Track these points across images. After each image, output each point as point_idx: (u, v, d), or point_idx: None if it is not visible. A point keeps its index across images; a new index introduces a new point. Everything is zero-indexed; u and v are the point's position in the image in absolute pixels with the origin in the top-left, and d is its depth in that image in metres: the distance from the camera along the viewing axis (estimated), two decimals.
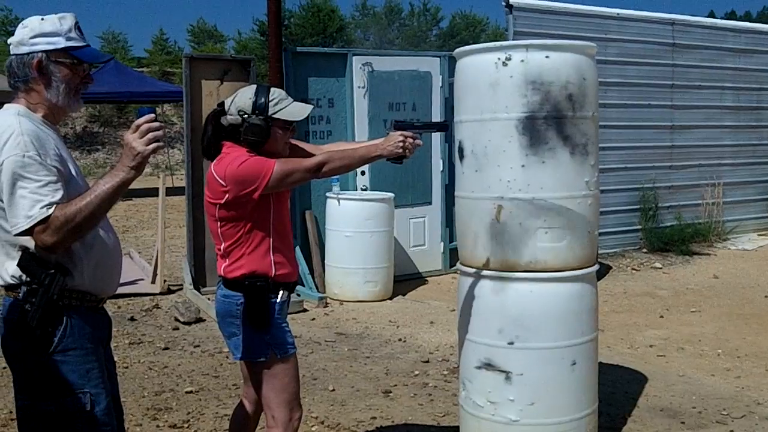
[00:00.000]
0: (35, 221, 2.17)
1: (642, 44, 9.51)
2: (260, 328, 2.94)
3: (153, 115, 2.19)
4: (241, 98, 2.96)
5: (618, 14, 9.40)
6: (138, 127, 2.17)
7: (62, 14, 2.41)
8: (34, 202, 2.18)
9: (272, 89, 3.01)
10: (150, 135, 2.17)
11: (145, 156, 2.17)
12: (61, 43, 2.37)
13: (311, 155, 3.09)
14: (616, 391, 4.80)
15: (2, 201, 2.23)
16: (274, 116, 2.95)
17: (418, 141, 3.01)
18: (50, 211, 2.17)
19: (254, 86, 3.02)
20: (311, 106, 3.14)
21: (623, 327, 6.42)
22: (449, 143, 8.10)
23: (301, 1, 37.57)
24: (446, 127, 3.34)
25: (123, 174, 2.18)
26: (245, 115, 2.92)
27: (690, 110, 10.03)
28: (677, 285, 8.08)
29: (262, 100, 2.94)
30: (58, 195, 2.21)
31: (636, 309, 7.09)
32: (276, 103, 2.96)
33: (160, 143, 2.19)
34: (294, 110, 3.00)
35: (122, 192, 2.22)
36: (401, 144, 2.96)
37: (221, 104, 3.03)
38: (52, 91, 2.38)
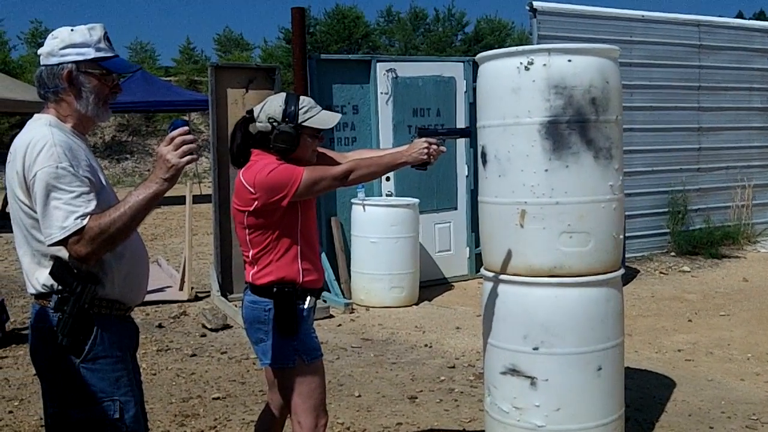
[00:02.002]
0: (70, 232, 2.19)
1: (668, 46, 9.45)
2: (288, 334, 2.96)
3: (187, 128, 2.22)
4: (271, 106, 2.99)
5: (643, 16, 9.35)
6: (172, 139, 2.19)
7: (91, 25, 2.43)
8: (68, 213, 2.20)
9: (301, 97, 3.04)
10: (184, 147, 2.19)
11: (179, 168, 2.19)
12: (90, 53, 2.39)
13: (337, 163, 3.12)
14: (644, 396, 4.76)
15: (35, 212, 2.26)
16: (304, 124, 2.98)
17: (441, 148, 3.03)
18: (84, 222, 2.19)
19: (284, 94, 3.05)
20: (339, 115, 3.17)
21: (651, 331, 6.37)
22: (474, 148, 8.09)
23: (327, 8, 37.71)
24: (469, 133, 3.35)
25: (156, 186, 2.20)
26: (275, 123, 2.95)
27: (717, 112, 9.94)
28: (706, 288, 8.00)
29: (292, 108, 2.97)
30: (92, 206, 2.23)
31: (664, 313, 7.03)
32: (306, 111, 2.99)
33: (194, 156, 2.21)
34: (323, 118, 3.03)
35: (155, 203, 2.24)
36: (425, 151, 2.98)
37: (250, 112, 3.06)
38: (82, 101, 2.40)
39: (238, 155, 3.04)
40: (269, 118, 2.96)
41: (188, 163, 2.21)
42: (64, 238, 2.20)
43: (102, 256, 2.29)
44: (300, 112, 2.97)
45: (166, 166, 2.19)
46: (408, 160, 3.01)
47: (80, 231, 2.19)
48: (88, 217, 2.21)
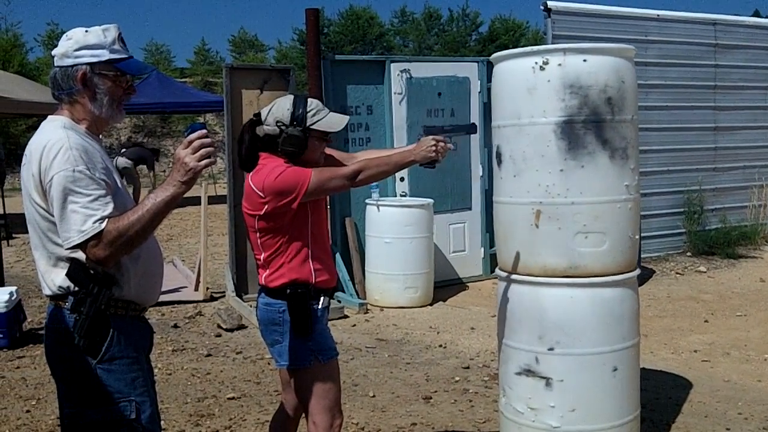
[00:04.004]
0: (88, 236, 2.19)
1: (683, 45, 9.40)
2: (303, 335, 2.96)
3: (205, 131, 2.23)
4: (278, 109, 2.99)
5: (658, 15, 9.30)
6: (190, 142, 2.20)
7: (106, 26, 2.42)
8: (87, 216, 2.20)
9: (309, 100, 3.04)
10: (202, 151, 2.20)
11: (197, 171, 2.20)
12: (105, 55, 2.38)
13: (343, 164, 3.12)
14: (660, 397, 4.74)
15: (51, 215, 2.26)
16: (312, 127, 2.97)
17: (449, 145, 3.03)
18: (103, 225, 2.19)
19: (291, 97, 3.04)
20: (348, 117, 3.16)
21: (667, 332, 6.33)
22: (488, 148, 8.08)
23: (340, 9, 37.74)
24: (475, 128, 3.35)
25: (174, 189, 2.21)
26: (283, 126, 2.95)
27: (734, 111, 9.87)
28: (722, 289, 7.95)
29: (300, 111, 2.96)
30: (109, 209, 2.23)
31: (680, 313, 6.99)
32: (314, 114, 2.98)
33: (212, 159, 2.22)
34: (331, 121, 3.03)
35: (173, 206, 2.24)
36: (433, 148, 2.98)
37: (257, 115, 3.06)
38: (96, 103, 2.39)
39: (246, 159, 3.03)
40: (277, 121, 2.96)
41: (206, 166, 2.22)
42: (83, 242, 2.21)
43: (120, 258, 2.29)
44: (308, 115, 2.97)
45: (184, 170, 2.19)
46: (416, 158, 3.01)
47: (99, 234, 2.19)
48: (106, 220, 2.21)
